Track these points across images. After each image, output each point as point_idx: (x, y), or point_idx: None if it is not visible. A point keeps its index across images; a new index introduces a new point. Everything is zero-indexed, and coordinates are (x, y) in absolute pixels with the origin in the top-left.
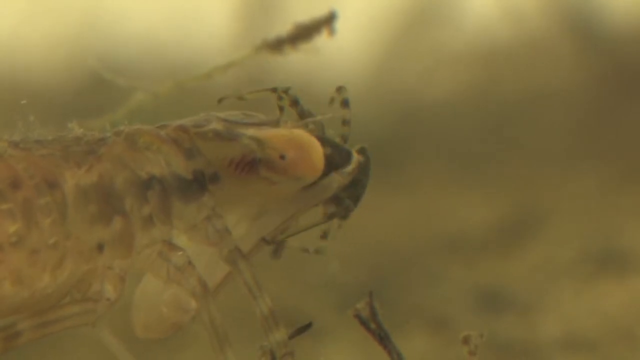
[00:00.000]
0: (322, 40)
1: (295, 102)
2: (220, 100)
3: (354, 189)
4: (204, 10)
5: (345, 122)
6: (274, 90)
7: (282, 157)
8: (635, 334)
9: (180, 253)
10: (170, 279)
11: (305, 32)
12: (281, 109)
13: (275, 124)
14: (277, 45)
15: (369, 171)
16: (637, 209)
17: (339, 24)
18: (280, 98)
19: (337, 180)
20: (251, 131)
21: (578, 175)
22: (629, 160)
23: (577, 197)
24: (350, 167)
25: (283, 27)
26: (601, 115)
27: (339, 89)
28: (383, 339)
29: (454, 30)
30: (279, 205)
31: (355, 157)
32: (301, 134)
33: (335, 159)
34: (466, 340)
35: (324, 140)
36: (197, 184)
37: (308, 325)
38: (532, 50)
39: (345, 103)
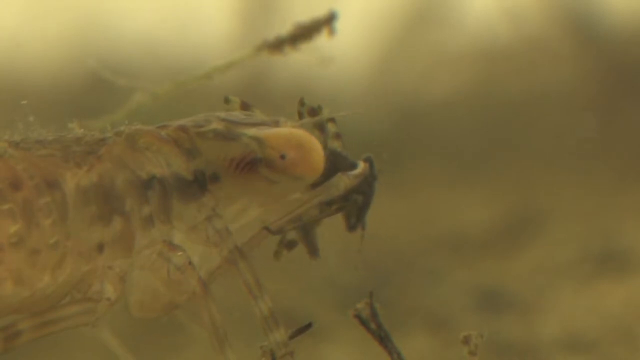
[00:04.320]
0: (322, 40)
1: (314, 111)
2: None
3: (361, 196)
4: (204, 10)
5: (337, 136)
6: (301, 102)
7: (282, 156)
8: (635, 333)
9: (180, 253)
10: (170, 279)
11: (305, 32)
12: (300, 115)
13: (276, 123)
14: (277, 45)
15: (375, 183)
16: (637, 209)
17: (339, 24)
18: (302, 105)
19: (344, 181)
20: (251, 131)
21: (578, 175)
22: (629, 160)
23: (577, 197)
24: (357, 171)
25: (283, 27)
26: (601, 115)
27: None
28: (383, 339)
29: (454, 30)
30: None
31: (362, 165)
32: (301, 133)
33: (339, 166)
34: (466, 340)
35: (327, 151)
36: (198, 184)
37: (308, 325)
38: (532, 50)
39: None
